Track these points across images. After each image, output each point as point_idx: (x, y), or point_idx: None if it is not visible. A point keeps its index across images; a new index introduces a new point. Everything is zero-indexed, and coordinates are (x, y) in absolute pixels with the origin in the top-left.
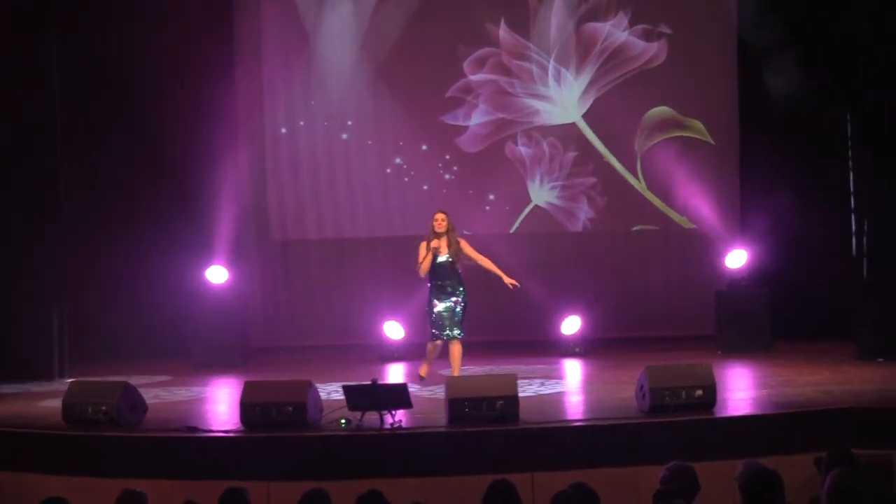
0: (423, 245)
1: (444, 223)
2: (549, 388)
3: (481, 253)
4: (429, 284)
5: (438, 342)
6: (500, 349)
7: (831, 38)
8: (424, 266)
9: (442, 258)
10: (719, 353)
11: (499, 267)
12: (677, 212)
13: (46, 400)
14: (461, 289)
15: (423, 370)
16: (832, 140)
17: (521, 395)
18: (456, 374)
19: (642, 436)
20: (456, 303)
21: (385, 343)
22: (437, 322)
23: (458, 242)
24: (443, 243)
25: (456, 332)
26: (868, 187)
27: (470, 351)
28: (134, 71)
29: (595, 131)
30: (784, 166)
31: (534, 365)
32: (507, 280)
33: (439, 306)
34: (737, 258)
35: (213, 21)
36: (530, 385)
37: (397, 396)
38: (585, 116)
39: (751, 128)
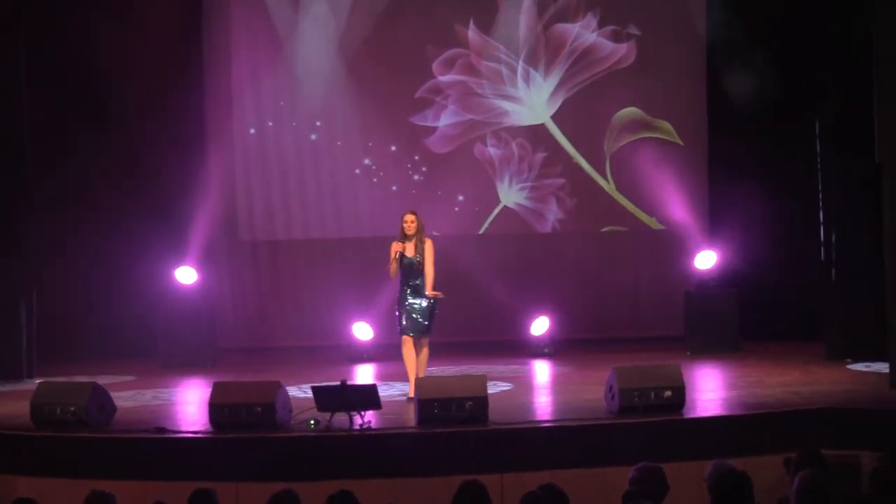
0: (395, 244)
1: (414, 225)
2: (518, 389)
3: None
4: (399, 284)
5: (409, 339)
6: (469, 350)
7: (799, 40)
8: (392, 270)
9: (410, 258)
10: (688, 353)
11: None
12: (646, 213)
13: (15, 400)
14: None
15: (412, 389)
16: (801, 142)
17: (490, 395)
18: (422, 374)
19: (611, 437)
20: (425, 300)
21: (354, 344)
22: (408, 317)
23: (423, 244)
24: (410, 245)
25: (425, 331)
26: (837, 189)
27: (438, 352)
28: (101, 71)
29: (564, 132)
30: (753, 168)
31: (503, 366)
32: (430, 292)
33: (407, 303)
34: (706, 259)
35: (182, 21)
36: (500, 386)
37: (366, 397)
38: (554, 117)
39: (719, 129)
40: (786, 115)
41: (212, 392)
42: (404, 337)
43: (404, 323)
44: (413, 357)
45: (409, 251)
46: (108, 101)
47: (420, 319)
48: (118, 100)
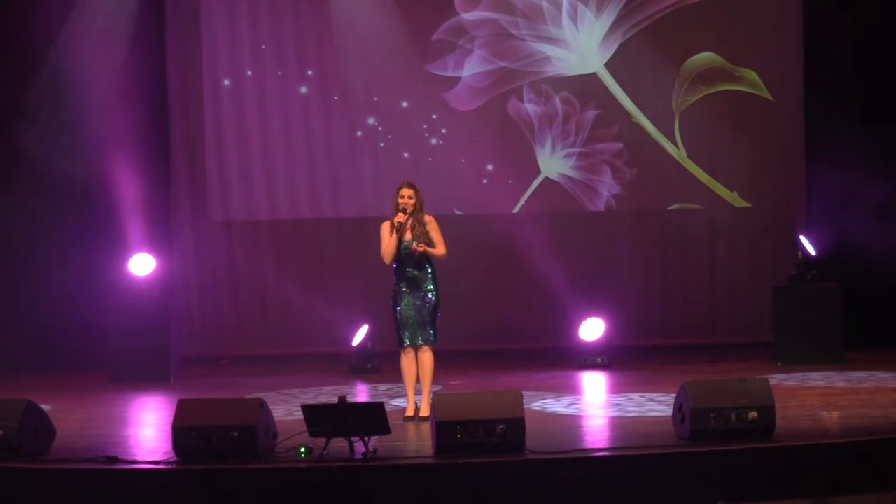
0: (387, 225)
1: (413, 201)
2: (563, 409)
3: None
4: (394, 277)
5: (409, 350)
6: (502, 360)
7: None
8: (389, 251)
9: (407, 242)
10: (779, 364)
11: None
12: (726, 186)
13: None
14: (431, 282)
15: (410, 407)
16: None
17: (527, 417)
18: (426, 390)
19: (681, 469)
20: (424, 299)
21: (355, 351)
22: (402, 323)
23: (424, 223)
24: (408, 224)
25: (424, 336)
26: None
27: (463, 362)
28: (38, 18)
29: (621, 84)
30: (861, 128)
31: (544, 379)
32: (418, 245)
33: (403, 303)
34: (802, 245)
35: None
36: (539, 405)
37: (371, 419)
38: (609, 65)
39: (818, 80)
40: None
41: (175, 412)
42: (404, 349)
43: (401, 333)
44: (413, 370)
45: (406, 235)
46: (39, 48)
47: (419, 321)
48: (53, 50)
